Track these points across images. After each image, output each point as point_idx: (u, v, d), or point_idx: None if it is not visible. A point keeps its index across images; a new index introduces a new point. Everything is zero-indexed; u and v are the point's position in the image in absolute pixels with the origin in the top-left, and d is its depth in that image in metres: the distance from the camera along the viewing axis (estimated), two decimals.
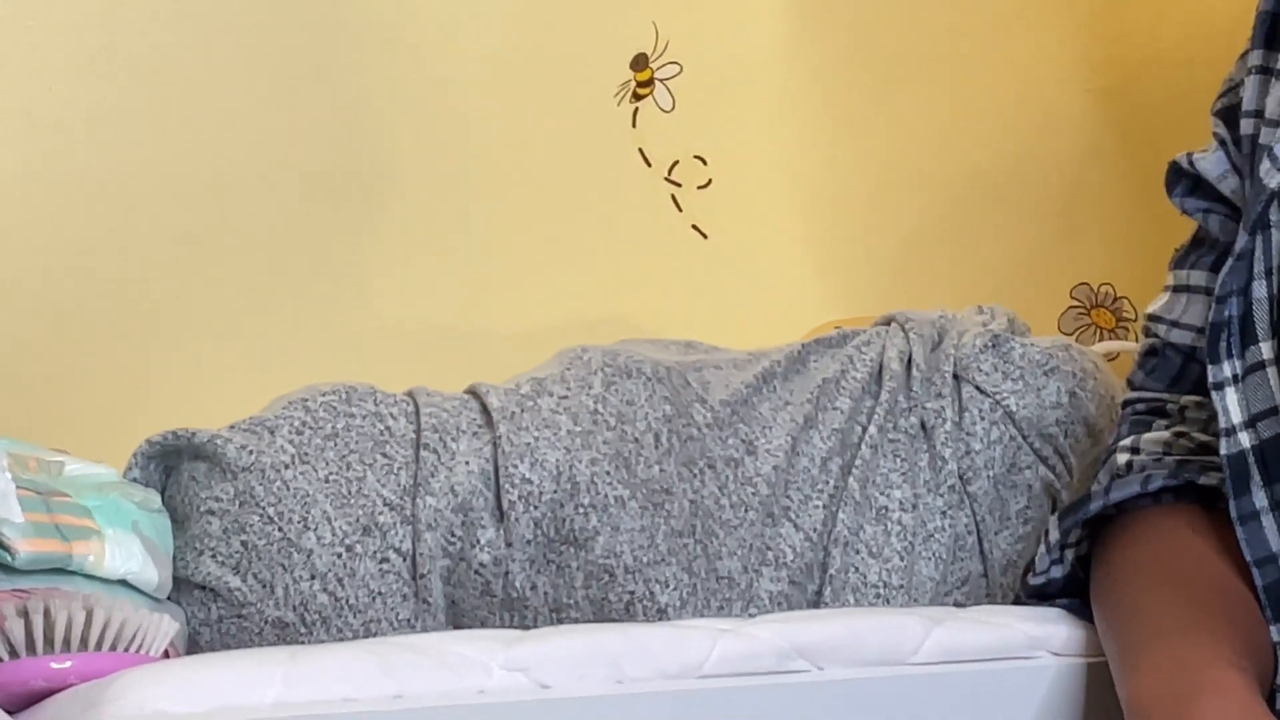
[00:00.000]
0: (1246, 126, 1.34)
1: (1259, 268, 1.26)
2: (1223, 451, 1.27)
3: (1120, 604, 1.31)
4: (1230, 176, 1.36)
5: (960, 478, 1.53)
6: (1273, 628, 1.26)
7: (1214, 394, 1.28)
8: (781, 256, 2.27)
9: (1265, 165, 1.27)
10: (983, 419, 1.55)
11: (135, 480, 1.48)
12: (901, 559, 1.50)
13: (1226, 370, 1.27)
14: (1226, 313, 1.27)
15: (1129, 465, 1.38)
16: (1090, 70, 2.34)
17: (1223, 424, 1.27)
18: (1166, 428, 1.40)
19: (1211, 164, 1.37)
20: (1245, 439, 1.26)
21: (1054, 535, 1.38)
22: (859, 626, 1.32)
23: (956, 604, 1.49)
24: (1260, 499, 1.26)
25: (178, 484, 1.47)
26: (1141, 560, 1.32)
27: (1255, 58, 1.35)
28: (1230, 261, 1.27)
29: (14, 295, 2.05)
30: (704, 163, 2.25)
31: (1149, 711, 1.16)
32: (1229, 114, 1.37)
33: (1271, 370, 1.26)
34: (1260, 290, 1.26)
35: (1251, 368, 1.27)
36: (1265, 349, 1.26)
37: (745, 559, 1.49)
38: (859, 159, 2.29)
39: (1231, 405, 1.27)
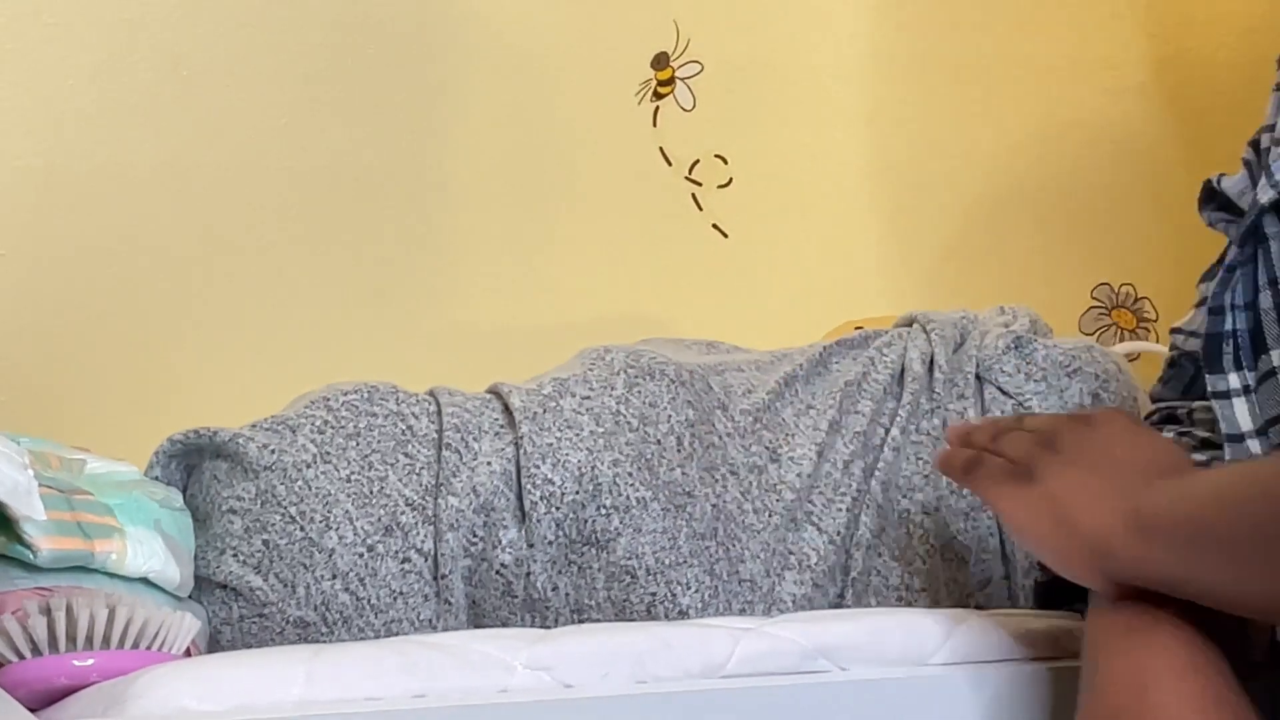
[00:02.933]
0: (1265, 141, 1.35)
1: (1263, 279, 1.27)
2: (1228, 458, 1.27)
3: None
4: (1249, 193, 1.37)
5: None
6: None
7: (1216, 403, 1.28)
8: (802, 256, 2.27)
9: (1263, 181, 1.28)
10: None
11: (157, 479, 1.48)
12: (924, 562, 1.50)
13: (1235, 381, 1.28)
14: (1228, 325, 1.28)
15: None
16: (1112, 71, 2.33)
17: (1227, 430, 1.27)
18: (1173, 431, 1.40)
19: (1233, 183, 1.39)
20: (1255, 445, 1.27)
21: None
22: (880, 627, 1.32)
23: (978, 606, 1.49)
24: None
25: (199, 483, 1.48)
26: None
27: (1278, 76, 1.36)
28: (1220, 273, 1.28)
29: (37, 292, 2.06)
30: (725, 162, 2.25)
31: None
32: (1255, 143, 1.39)
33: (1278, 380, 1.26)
34: (1266, 300, 1.27)
35: (1264, 376, 1.27)
36: (1275, 356, 1.27)
37: (768, 562, 1.49)
38: (879, 159, 2.29)
39: (1241, 414, 1.27)
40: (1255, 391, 1.27)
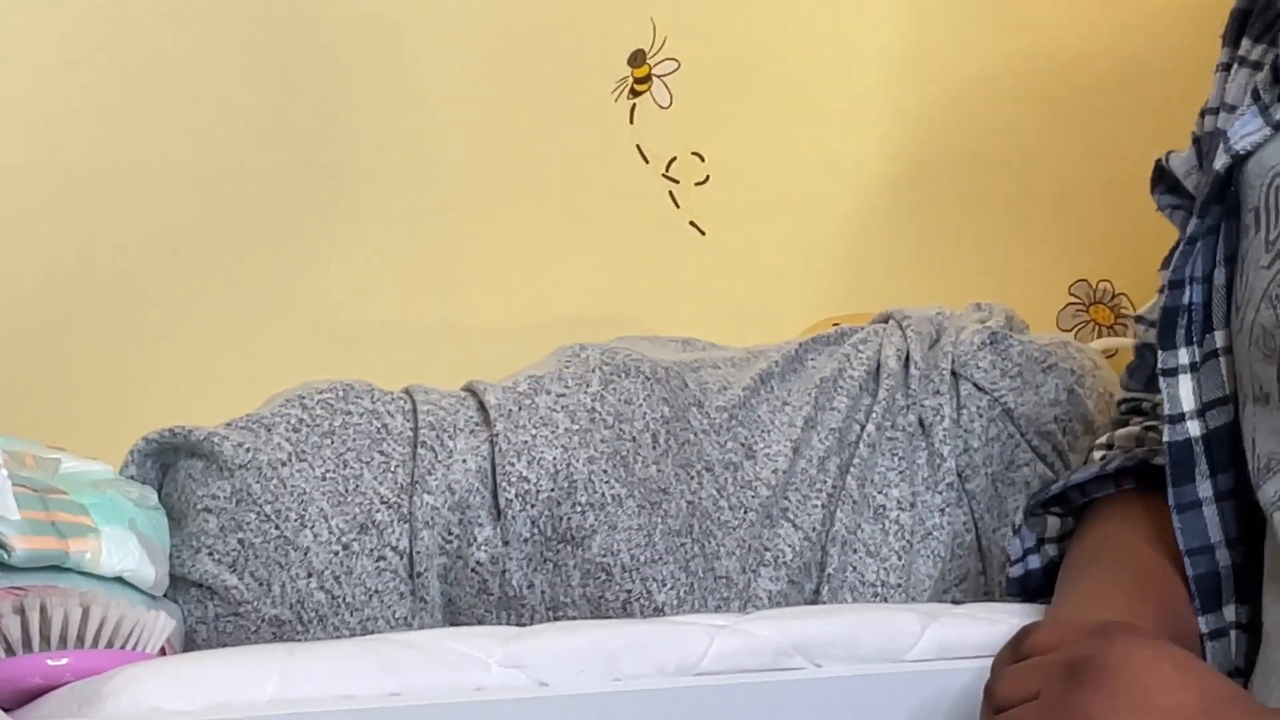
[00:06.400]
0: (1208, 124, 1.36)
1: (1221, 254, 1.27)
2: (1166, 439, 1.27)
3: (1060, 583, 1.32)
4: (1194, 173, 1.38)
5: (959, 475, 1.53)
6: (1201, 619, 1.26)
7: (1163, 380, 1.28)
8: (779, 253, 2.27)
9: (1219, 148, 1.28)
10: (981, 416, 1.55)
11: (132, 478, 1.47)
12: (899, 558, 1.50)
13: (1183, 358, 1.28)
14: (1185, 298, 1.28)
15: (1102, 458, 1.39)
16: (1089, 65, 2.34)
17: (1169, 410, 1.27)
18: (1140, 424, 1.40)
19: (1180, 160, 1.39)
20: (1194, 427, 1.27)
21: (1018, 518, 1.39)
22: (856, 623, 1.32)
23: (955, 601, 1.49)
24: (1205, 489, 1.26)
25: (174, 481, 1.47)
26: (1088, 543, 1.34)
27: (1222, 56, 1.37)
28: (1181, 245, 1.28)
29: (10, 291, 2.05)
30: (702, 159, 2.25)
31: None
32: (1204, 114, 1.39)
33: (1225, 359, 1.27)
34: (1220, 276, 1.27)
35: (1207, 355, 1.27)
36: (1219, 337, 1.27)
37: (743, 559, 1.49)
38: (856, 155, 2.29)
39: (1185, 393, 1.27)
40: (1201, 369, 1.27)
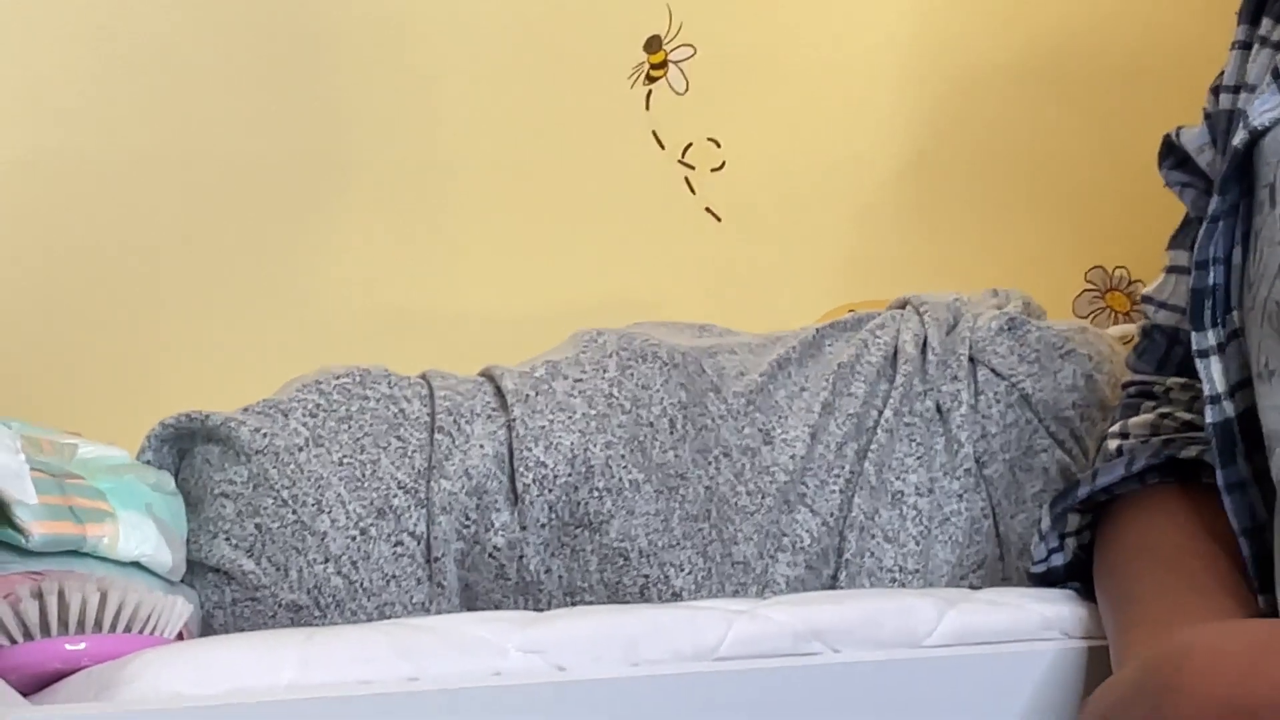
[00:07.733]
0: (1225, 102, 1.35)
1: (1239, 233, 1.27)
2: (1208, 420, 1.27)
3: (1113, 590, 1.31)
4: (1207, 150, 1.37)
5: (976, 461, 1.53)
6: (1261, 598, 1.26)
7: (1198, 362, 1.27)
8: (795, 239, 2.27)
9: (1239, 125, 1.28)
10: (998, 402, 1.54)
11: (149, 463, 1.47)
12: (917, 543, 1.50)
13: (1211, 339, 1.27)
14: (1210, 279, 1.27)
15: (1118, 450, 1.39)
16: (1103, 53, 2.33)
17: (1208, 392, 1.27)
18: (1153, 409, 1.40)
19: (1192, 136, 1.38)
20: (1230, 408, 1.26)
21: (1045, 522, 1.38)
22: (874, 609, 1.32)
23: (972, 587, 1.49)
24: (1244, 468, 1.26)
25: (191, 467, 1.47)
26: (1130, 545, 1.32)
27: (1238, 34, 1.36)
28: (1205, 225, 1.28)
29: (25, 280, 2.06)
30: (718, 145, 2.25)
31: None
32: (1216, 90, 1.39)
33: (1244, 339, 1.26)
34: (1238, 256, 1.27)
35: (1231, 335, 1.27)
36: (1238, 317, 1.27)
37: (761, 544, 1.49)
38: (872, 142, 2.29)
39: (1216, 374, 1.27)
40: (1225, 351, 1.27)
